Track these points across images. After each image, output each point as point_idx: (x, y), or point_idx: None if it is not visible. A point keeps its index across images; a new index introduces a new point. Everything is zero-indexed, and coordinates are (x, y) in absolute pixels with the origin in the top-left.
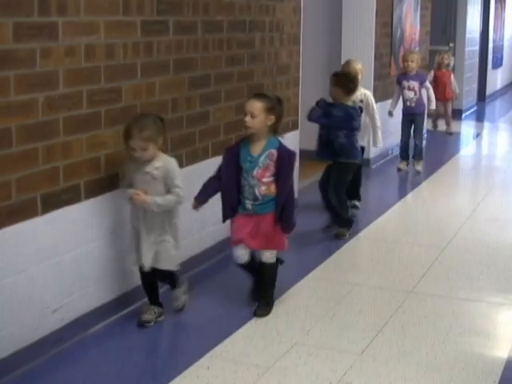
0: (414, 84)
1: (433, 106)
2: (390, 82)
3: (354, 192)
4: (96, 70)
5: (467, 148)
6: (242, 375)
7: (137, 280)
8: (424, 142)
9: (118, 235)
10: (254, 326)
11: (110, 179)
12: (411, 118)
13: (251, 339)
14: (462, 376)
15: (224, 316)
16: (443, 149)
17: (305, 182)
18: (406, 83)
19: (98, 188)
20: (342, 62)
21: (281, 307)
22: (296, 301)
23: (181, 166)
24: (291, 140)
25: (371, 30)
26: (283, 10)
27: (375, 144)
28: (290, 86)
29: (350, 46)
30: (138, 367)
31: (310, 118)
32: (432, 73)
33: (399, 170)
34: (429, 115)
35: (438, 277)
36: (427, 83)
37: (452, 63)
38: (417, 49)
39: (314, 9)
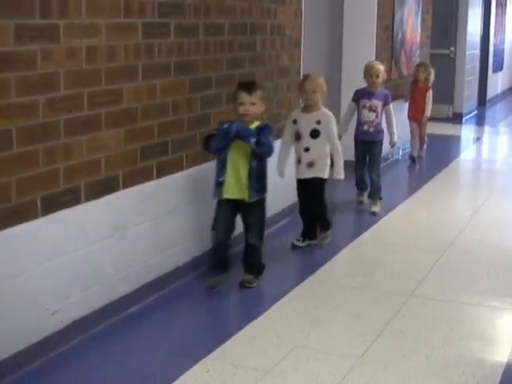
0: (377, 104)
1: (395, 137)
2: (390, 86)
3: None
4: (97, 71)
5: (467, 152)
6: (241, 378)
7: (132, 284)
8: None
9: (119, 237)
10: (253, 329)
11: (110, 181)
12: (367, 146)
13: (250, 342)
14: (462, 380)
15: (223, 318)
16: (443, 153)
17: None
18: (366, 102)
19: (98, 190)
20: (344, 65)
21: (280, 310)
22: (295, 304)
23: (181, 168)
24: None
25: (372, 33)
26: (284, 13)
27: (335, 175)
28: (291, 88)
29: (350, 49)
30: (136, 370)
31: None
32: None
33: (361, 203)
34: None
35: (438, 280)
36: (390, 106)
37: (432, 78)
38: (418, 52)
39: (315, 12)
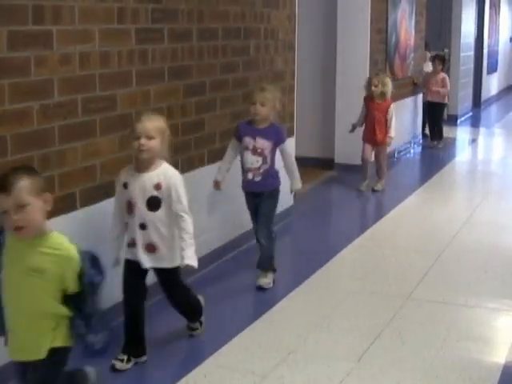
0: (264, 144)
1: (298, 183)
2: None
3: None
4: (91, 78)
5: (463, 154)
6: (239, 383)
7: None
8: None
9: None
10: (251, 333)
11: (105, 187)
12: (256, 199)
13: (248, 347)
14: (460, 382)
15: (220, 323)
16: (439, 155)
17: (301, 189)
18: (249, 141)
19: (93, 196)
20: (338, 68)
21: (277, 315)
22: (292, 308)
23: None
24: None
25: (366, 36)
26: (278, 18)
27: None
28: (285, 93)
29: (344, 52)
30: (136, 376)
31: None
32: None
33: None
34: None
35: (435, 282)
36: (286, 145)
37: (389, 90)
38: (412, 55)
39: (309, 16)
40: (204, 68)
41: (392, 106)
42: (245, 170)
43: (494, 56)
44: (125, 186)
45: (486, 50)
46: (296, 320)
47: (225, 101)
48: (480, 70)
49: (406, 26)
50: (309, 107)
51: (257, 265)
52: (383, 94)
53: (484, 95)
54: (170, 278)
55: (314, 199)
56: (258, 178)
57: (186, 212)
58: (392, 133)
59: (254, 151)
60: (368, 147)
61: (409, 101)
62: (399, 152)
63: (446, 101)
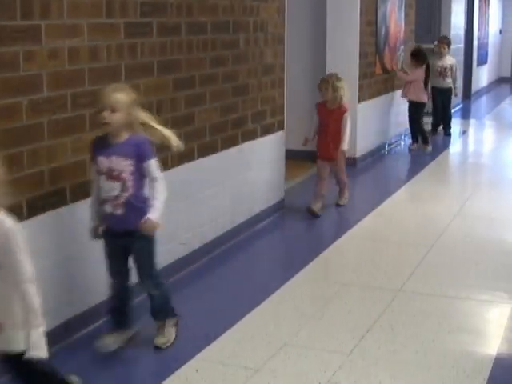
0: (120, 164)
1: (155, 216)
2: (375, 81)
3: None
4: (80, 72)
5: (453, 146)
6: (231, 377)
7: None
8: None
9: None
10: (243, 327)
11: None
12: (120, 240)
13: (240, 341)
14: (452, 374)
15: (212, 318)
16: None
17: (291, 183)
18: (102, 162)
19: (83, 192)
20: (328, 61)
21: (269, 308)
22: (284, 301)
23: (166, 168)
24: (277, 140)
25: (356, 28)
26: (267, 10)
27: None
28: (275, 86)
29: (334, 44)
30: (125, 376)
31: None
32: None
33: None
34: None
35: (426, 275)
36: (152, 165)
37: (343, 94)
38: (402, 47)
39: (298, 8)
40: (193, 62)
41: (347, 113)
42: (101, 201)
43: (483, 48)
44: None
45: (475, 42)
46: (288, 313)
47: (214, 94)
48: (470, 62)
49: (396, 19)
50: (299, 100)
51: (151, 313)
52: (337, 100)
53: (474, 87)
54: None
55: (305, 192)
56: (118, 211)
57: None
58: (344, 145)
59: (110, 175)
60: (323, 165)
61: (400, 92)
62: (389, 145)
63: (424, 100)
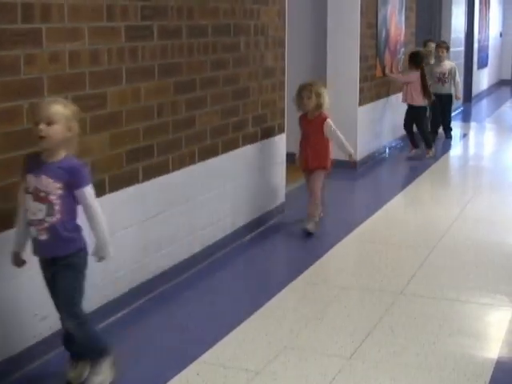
0: (49, 185)
1: (106, 251)
2: (375, 84)
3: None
4: (81, 76)
5: (454, 149)
6: (232, 380)
7: (120, 289)
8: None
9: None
10: (243, 330)
11: (96, 185)
12: (50, 268)
13: (240, 344)
14: (453, 377)
15: (213, 321)
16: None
17: (291, 186)
18: (31, 180)
19: None
20: (328, 64)
21: (269, 311)
22: (285, 304)
23: (167, 171)
24: (278, 144)
25: (356, 31)
26: (267, 14)
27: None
28: (276, 89)
29: (335, 47)
30: (126, 375)
31: None
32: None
33: None
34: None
35: (426, 278)
36: (86, 193)
37: (324, 101)
38: (402, 50)
39: (299, 12)
40: (194, 65)
41: (328, 119)
42: (27, 224)
43: (484, 51)
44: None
45: (476, 46)
46: (289, 316)
47: (215, 98)
48: (470, 65)
49: (396, 21)
50: None
51: (73, 354)
52: (318, 107)
53: (475, 90)
54: None
55: (306, 196)
56: (42, 237)
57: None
58: (349, 148)
59: (36, 195)
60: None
61: (400, 95)
62: (390, 148)
63: (423, 103)
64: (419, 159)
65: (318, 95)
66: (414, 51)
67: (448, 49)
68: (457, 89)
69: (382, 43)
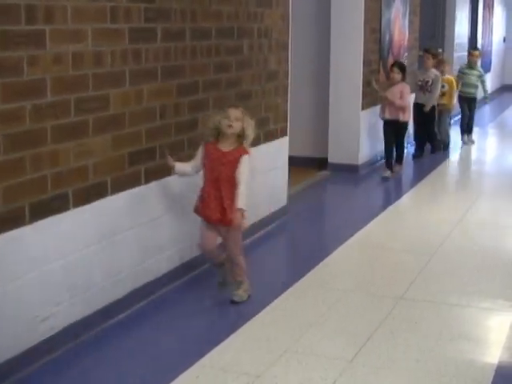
0: None
1: None
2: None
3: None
4: (84, 77)
5: (456, 153)
6: None
7: (121, 290)
8: None
9: (107, 244)
10: (244, 334)
11: (98, 187)
12: None
13: (241, 347)
14: (453, 382)
15: (213, 324)
16: (432, 154)
17: (295, 189)
18: None
19: (86, 196)
20: (332, 68)
21: (270, 314)
22: (285, 308)
23: (169, 173)
24: (281, 147)
25: (360, 35)
26: (271, 17)
27: None
28: (279, 92)
29: (338, 52)
30: (126, 377)
31: None
32: None
33: None
34: None
35: (427, 283)
36: None
37: (251, 134)
38: (406, 54)
39: (303, 15)
40: (197, 67)
41: (247, 155)
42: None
43: (487, 56)
44: None
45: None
46: (289, 320)
47: (218, 100)
48: None
49: (400, 26)
50: (302, 107)
51: None
52: (240, 138)
53: (477, 95)
54: None
55: (308, 199)
56: None
57: None
58: (240, 203)
59: None
60: (208, 230)
61: None
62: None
63: (405, 118)
64: (421, 161)
65: (249, 124)
66: (399, 61)
67: (436, 55)
68: (429, 98)
69: (386, 48)
